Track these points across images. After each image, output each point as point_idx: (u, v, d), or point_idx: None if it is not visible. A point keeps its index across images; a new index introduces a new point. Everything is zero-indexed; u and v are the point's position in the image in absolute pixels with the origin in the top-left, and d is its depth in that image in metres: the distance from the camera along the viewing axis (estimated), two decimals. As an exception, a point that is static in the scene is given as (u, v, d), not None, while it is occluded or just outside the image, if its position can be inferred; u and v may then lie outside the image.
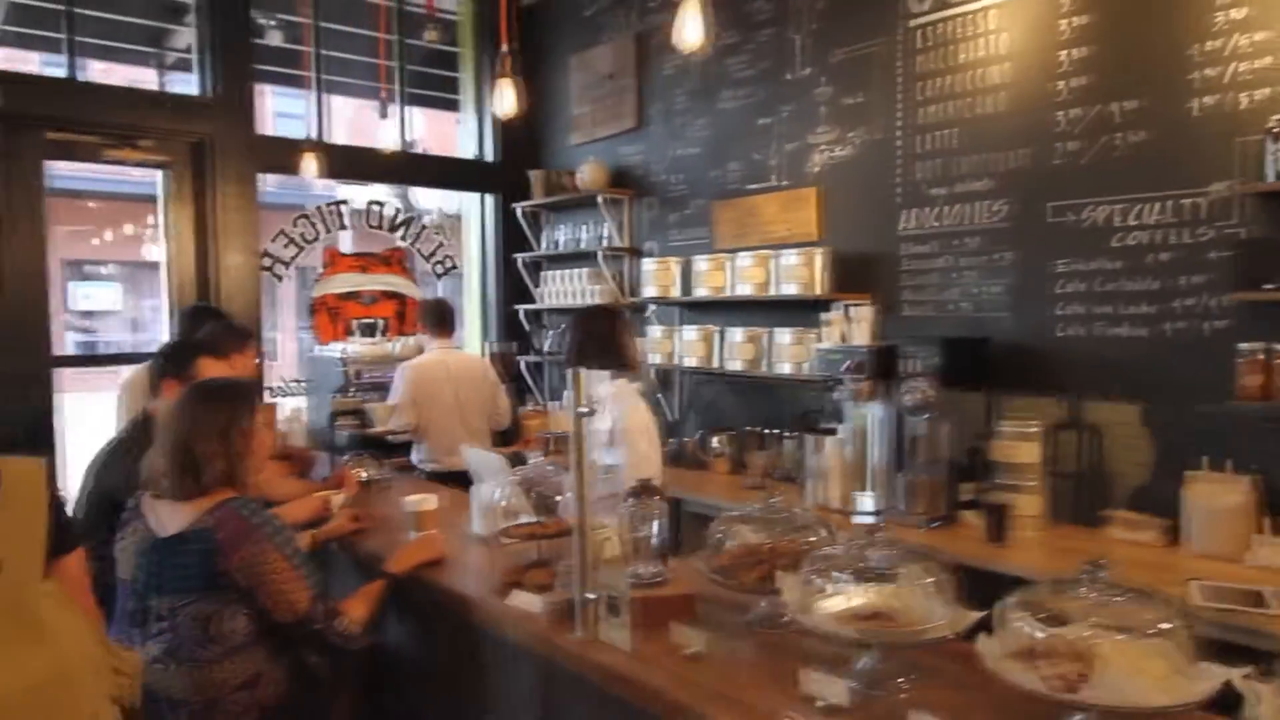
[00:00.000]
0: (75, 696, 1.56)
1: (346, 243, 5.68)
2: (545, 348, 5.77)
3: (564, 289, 5.48)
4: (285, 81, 6.24)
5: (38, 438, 3.94)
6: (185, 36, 7.36)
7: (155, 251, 13.82)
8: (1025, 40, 3.42)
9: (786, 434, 4.14)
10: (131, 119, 4.08)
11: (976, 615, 1.61)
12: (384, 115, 3.54)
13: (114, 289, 15.98)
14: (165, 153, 4.23)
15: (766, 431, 4.28)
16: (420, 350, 4.92)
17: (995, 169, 3.52)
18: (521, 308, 5.87)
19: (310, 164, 4.04)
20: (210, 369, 2.81)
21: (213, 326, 3.54)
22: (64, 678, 1.55)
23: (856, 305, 3.79)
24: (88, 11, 4.27)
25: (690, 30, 2.18)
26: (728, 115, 4.62)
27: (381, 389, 4.65)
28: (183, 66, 4.83)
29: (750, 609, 2.02)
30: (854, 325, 3.74)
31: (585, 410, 1.90)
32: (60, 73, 4.15)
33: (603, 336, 2.92)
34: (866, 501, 3.46)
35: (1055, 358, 3.36)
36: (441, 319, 4.48)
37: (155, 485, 2.20)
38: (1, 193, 3.88)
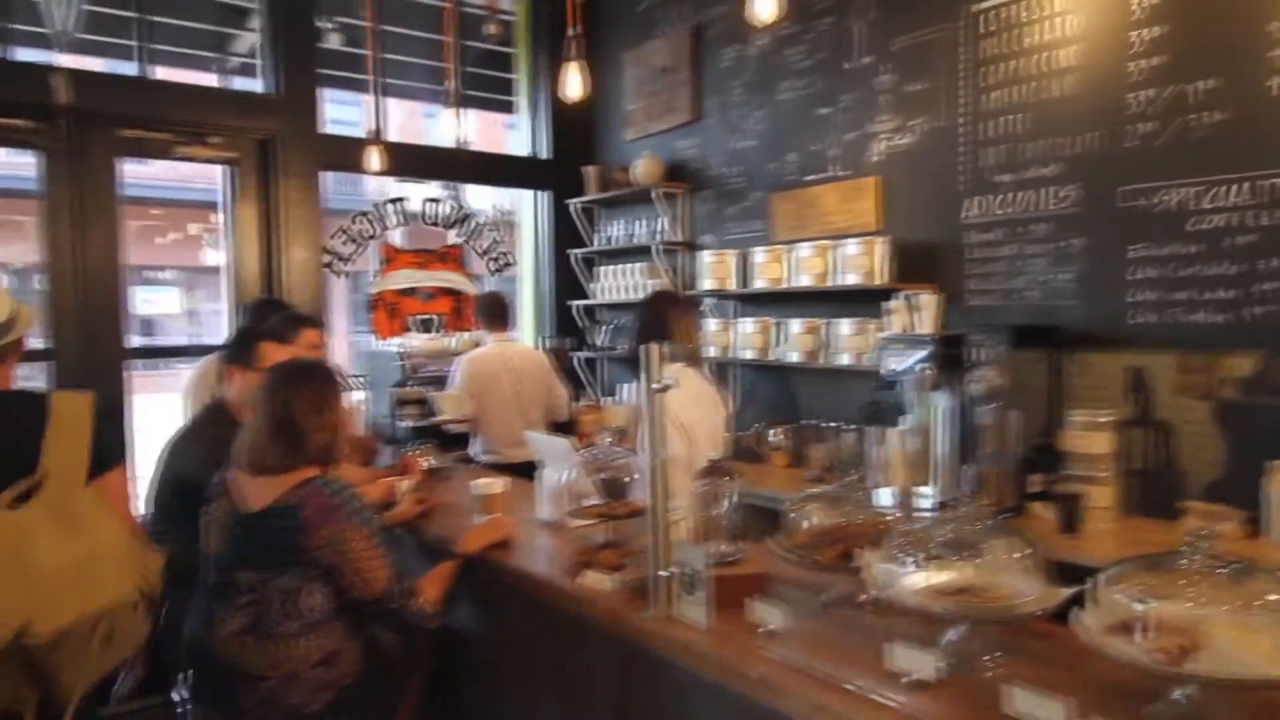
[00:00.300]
0: (104, 572, 1.94)
1: (398, 240, 5.74)
2: (600, 343, 5.79)
3: (618, 284, 5.49)
4: (345, 85, 6.34)
5: (113, 420, 4.05)
6: (247, 41, 7.53)
7: (213, 256, 14.14)
8: (1095, 21, 3.35)
9: (846, 427, 4.09)
10: (200, 116, 4.18)
11: (1068, 591, 1.57)
12: (452, 104, 3.57)
13: (173, 293, 16.40)
14: (233, 149, 4.32)
15: (826, 424, 4.24)
16: (476, 344, 4.97)
17: (1064, 153, 3.45)
18: (575, 303, 5.89)
19: (374, 156, 4.10)
20: (274, 354, 2.85)
21: (276, 316, 3.60)
22: (95, 558, 1.93)
23: (920, 294, 3.73)
24: (157, 18, 4.40)
25: (762, 4, 2.17)
26: (786, 106, 4.60)
27: (439, 382, 4.70)
28: (245, 71, 4.94)
29: (825, 590, 2.00)
30: (918, 314, 3.68)
31: (660, 386, 1.90)
32: (131, 72, 4.27)
33: (664, 321, 2.93)
34: (926, 496, 3.40)
35: (1128, 345, 3.28)
36: (498, 312, 4.54)
37: (254, 458, 2.23)
38: (76, 189, 4.00)
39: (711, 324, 4.79)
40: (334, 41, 6.10)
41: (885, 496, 3.35)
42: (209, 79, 5.35)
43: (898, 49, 4.03)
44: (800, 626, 1.82)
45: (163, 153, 4.19)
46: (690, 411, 2.98)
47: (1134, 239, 3.26)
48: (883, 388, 3.82)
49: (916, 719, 1.43)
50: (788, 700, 1.58)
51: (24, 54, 4.05)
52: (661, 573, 1.91)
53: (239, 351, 2.90)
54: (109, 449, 2.13)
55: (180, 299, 16.13)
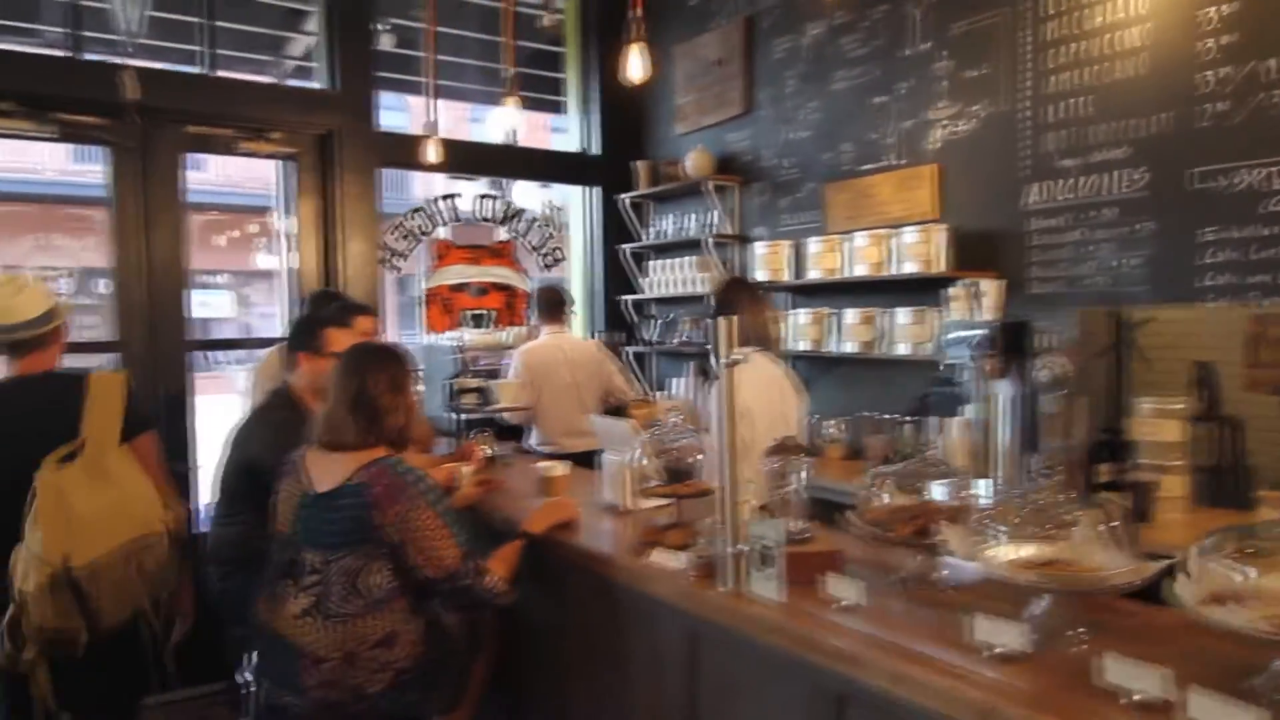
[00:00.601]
0: (129, 515, 2.38)
1: (450, 236, 5.79)
2: (650, 338, 5.78)
3: (669, 278, 5.48)
4: (397, 87, 6.41)
5: (176, 412, 4.15)
6: (304, 44, 7.67)
7: (265, 260, 14.34)
8: (1163, 0, 3.27)
9: (905, 418, 4.04)
10: (261, 112, 4.26)
11: (1162, 563, 1.53)
12: (512, 90, 3.60)
13: (226, 297, 16.76)
14: (292, 144, 4.40)
15: (883, 417, 4.18)
16: (531, 337, 5.01)
17: (1132, 136, 3.37)
18: (625, 298, 5.89)
19: (431, 148, 4.14)
20: (338, 340, 2.89)
21: (334, 305, 3.66)
22: (122, 504, 2.38)
23: (982, 281, 3.67)
24: (221, 24, 4.50)
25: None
26: (840, 96, 4.56)
27: (494, 375, 4.75)
28: (302, 75, 5.03)
29: (896, 571, 1.97)
30: (979, 301, 3.62)
31: (733, 360, 1.88)
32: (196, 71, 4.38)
33: (735, 308, 2.93)
34: (983, 490, 3.34)
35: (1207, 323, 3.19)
36: (556, 305, 4.60)
37: (332, 436, 2.26)
38: (144, 184, 4.10)
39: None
40: (386, 43, 6.20)
41: (942, 490, 3.31)
42: (268, 80, 5.47)
43: (956, 34, 3.98)
44: (876, 603, 1.80)
45: (226, 148, 4.28)
46: (753, 396, 2.97)
47: (1206, 222, 3.18)
48: (941, 382, 3.76)
49: (1007, 689, 1.40)
50: (869, 672, 1.56)
51: (94, 54, 4.16)
52: (734, 548, 1.90)
53: (306, 339, 2.95)
54: (139, 418, 2.58)
55: (233, 303, 16.47)
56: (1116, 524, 1.60)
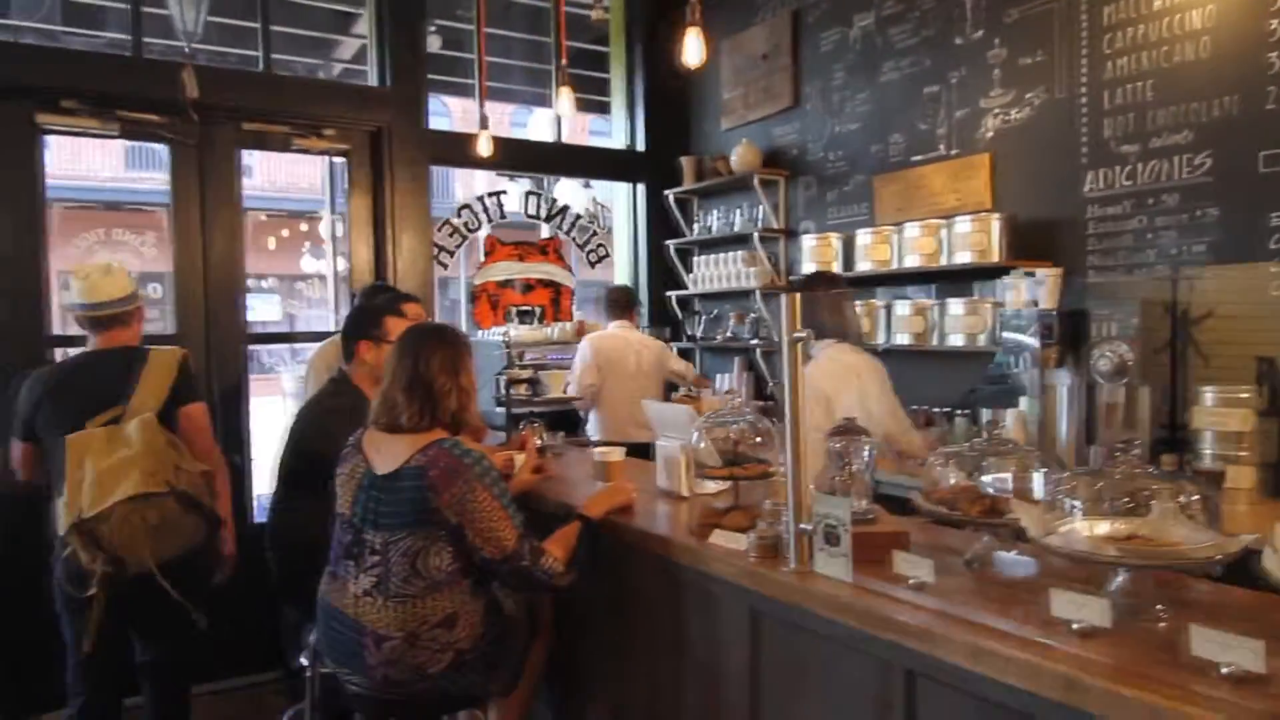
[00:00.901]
0: (138, 474, 2.62)
1: (497, 234, 5.84)
2: (696, 334, 5.77)
3: (716, 273, 5.47)
4: (443, 89, 6.48)
5: (231, 405, 4.22)
6: (354, 46, 7.77)
7: (312, 263, 14.51)
8: (1230, -21, 3.21)
9: (959, 411, 3.98)
10: (315, 109, 4.32)
11: (1248, 537, 1.49)
12: (565, 81, 3.62)
13: (274, 300, 17.04)
14: (345, 140, 4.46)
15: (936, 409, 4.13)
16: (580, 333, 5.06)
17: (1196, 120, 3.30)
18: (671, 294, 5.89)
19: (484, 141, 4.18)
20: (397, 326, 2.91)
21: (385, 295, 3.70)
22: (132, 464, 2.62)
23: (1039, 269, 3.61)
24: (275, 28, 4.59)
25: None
26: (890, 87, 4.52)
27: (542, 370, 4.80)
28: (353, 76, 5.11)
29: (963, 553, 1.94)
30: (1038, 290, 3.56)
31: (800, 336, 1.87)
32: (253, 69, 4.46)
33: (816, 301, 3.01)
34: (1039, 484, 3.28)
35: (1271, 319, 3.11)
36: (624, 303, 4.86)
37: (389, 417, 2.27)
38: (203, 179, 4.18)
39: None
40: (432, 45, 6.28)
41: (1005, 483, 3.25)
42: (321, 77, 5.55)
43: (1012, 20, 3.92)
44: (945, 581, 1.77)
45: (281, 145, 4.34)
46: (831, 385, 3.08)
47: (1275, 206, 3.10)
48: (995, 380, 3.70)
49: (1091, 663, 1.37)
50: (944, 648, 1.53)
51: (155, 54, 4.26)
52: (801, 526, 1.88)
53: (368, 327, 2.97)
54: (188, 389, 2.89)
55: (280, 306, 16.75)
56: (1197, 498, 1.56)
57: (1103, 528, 1.61)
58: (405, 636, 2.17)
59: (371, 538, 2.23)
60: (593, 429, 4.57)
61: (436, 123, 7.44)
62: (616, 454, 2.76)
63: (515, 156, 5.64)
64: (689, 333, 5.86)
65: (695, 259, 5.77)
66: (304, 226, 14.92)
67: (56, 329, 4.03)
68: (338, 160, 4.58)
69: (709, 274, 5.54)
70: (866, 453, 2.04)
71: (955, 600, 1.67)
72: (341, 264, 4.71)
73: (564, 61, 3.84)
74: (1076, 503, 1.58)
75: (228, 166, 4.20)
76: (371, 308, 3.21)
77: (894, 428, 3.25)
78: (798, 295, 1.90)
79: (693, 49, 2.62)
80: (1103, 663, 1.36)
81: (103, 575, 2.60)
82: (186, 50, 4.15)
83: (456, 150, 5.20)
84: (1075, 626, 1.47)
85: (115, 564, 2.61)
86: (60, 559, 2.70)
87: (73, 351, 3.06)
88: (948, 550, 1.98)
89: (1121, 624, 1.48)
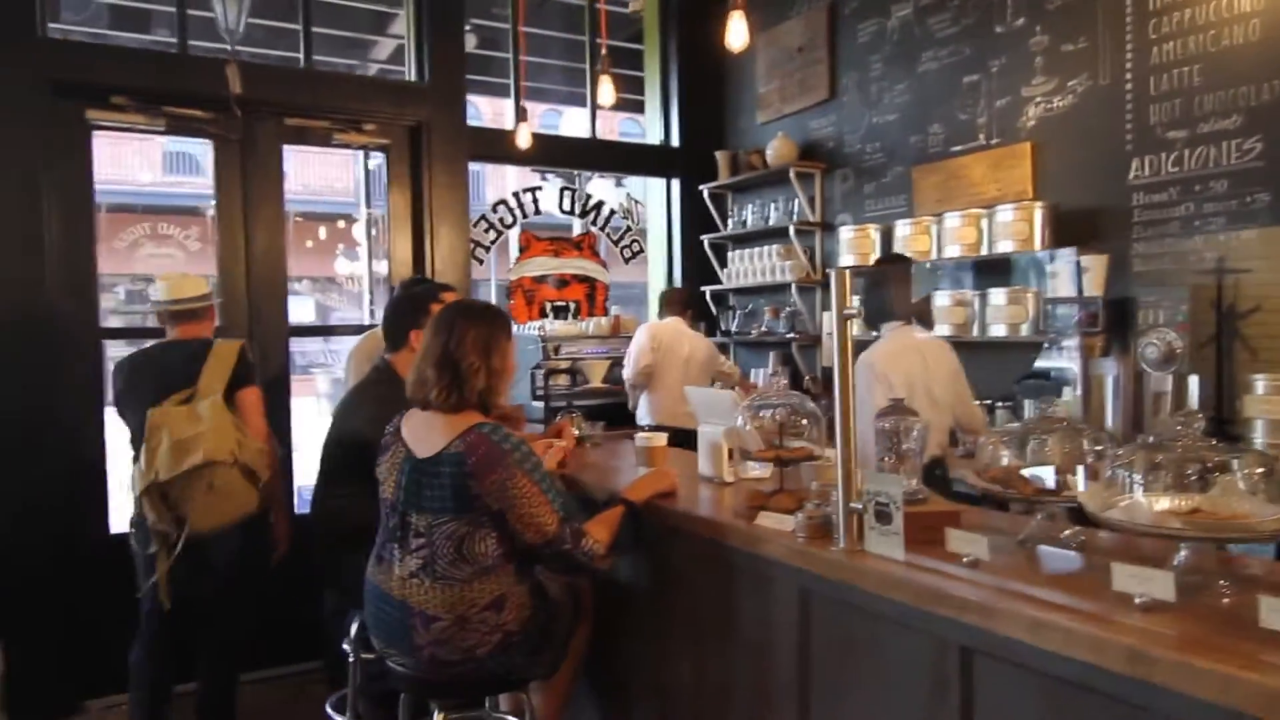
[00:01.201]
0: (206, 446, 3.00)
1: (533, 230, 5.87)
2: (731, 328, 5.76)
3: (751, 268, 5.46)
4: (479, 89, 6.52)
5: (276, 395, 4.28)
6: (386, 48, 7.84)
7: (346, 265, 14.66)
8: (1281, -39, 3.15)
9: (1001, 404, 3.93)
10: (356, 104, 4.37)
11: (1319, 509, 1.46)
12: (605, 70, 3.64)
13: (309, 303, 17.23)
14: (385, 135, 4.50)
15: (979, 401, 4.07)
16: (614, 329, 5.10)
17: (1245, 104, 3.25)
18: (706, 289, 5.88)
19: (523, 132, 4.21)
20: None
21: (423, 285, 3.72)
22: (203, 437, 3.01)
23: (1084, 257, 3.56)
24: (317, 30, 4.65)
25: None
26: (929, 77, 4.48)
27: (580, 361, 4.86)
28: (387, 77, 5.16)
29: (1015, 534, 1.92)
30: (1083, 277, 3.52)
31: (851, 313, 1.86)
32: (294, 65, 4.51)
33: (887, 283, 3.03)
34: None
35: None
36: (682, 301, 4.99)
37: (419, 394, 2.28)
38: (244, 176, 4.24)
39: (856, 300, 4.71)
40: (467, 44, 6.33)
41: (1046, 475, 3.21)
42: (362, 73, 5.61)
43: (1051, 8, 3.89)
44: (1002, 560, 1.75)
45: (322, 140, 4.39)
46: (893, 366, 3.11)
47: (1329, 190, 3.04)
48: (1036, 374, 3.66)
49: (1158, 635, 1.34)
50: (1002, 622, 1.51)
51: (200, 51, 4.33)
52: (852, 505, 1.87)
53: (418, 315, 2.98)
54: (244, 374, 3.23)
55: (315, 308, 16.93)
56: (1263, 470, 1.53)
57: (1163, 503, 1.59)
58: (455, 619, 2.18)
59: (416, 520, 2.23)
60: (643, 414, 4.67)
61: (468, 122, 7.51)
62: (660, 439, 2.76)
63: (551, 152, 5.66)
64: (724, 328, 5.85)
65: (730, 254, 5.76)
66: (340, 224, 15.08)
67: (109, 322, 4.12)
68: (372, 162, 4.63)
69: (744, 268, 5.53)
70: (916, 433, 2.02)
71: (1011, 577, 1.65)
72: (377, 265, 4.76)
73: (604, 51, 3.84)
74: (1137, 476, 1.55)
75: (270, 162, 4.26)
76: (418, 294, 3.22)
77: (962, 413, 3.27)
78: (847, 272, 1.88)
79: (736, 31, 2.61)
80: (1169, 635, 1.34)
81: (165, 534, 3.01)
82: (230, 48, 4.21)
83: (494, 145, 5.23)
84: (1138, 601, 1.44)
85: (178, 524, 3.00)
86: (133, 519, 3.13)
87: (147, 343, 3.42)
88: (1001, 531, 1.96)
89: (1185, 599, 1.46)
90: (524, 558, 2.28)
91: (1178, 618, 1.40)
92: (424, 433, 2.28)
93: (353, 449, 2.86)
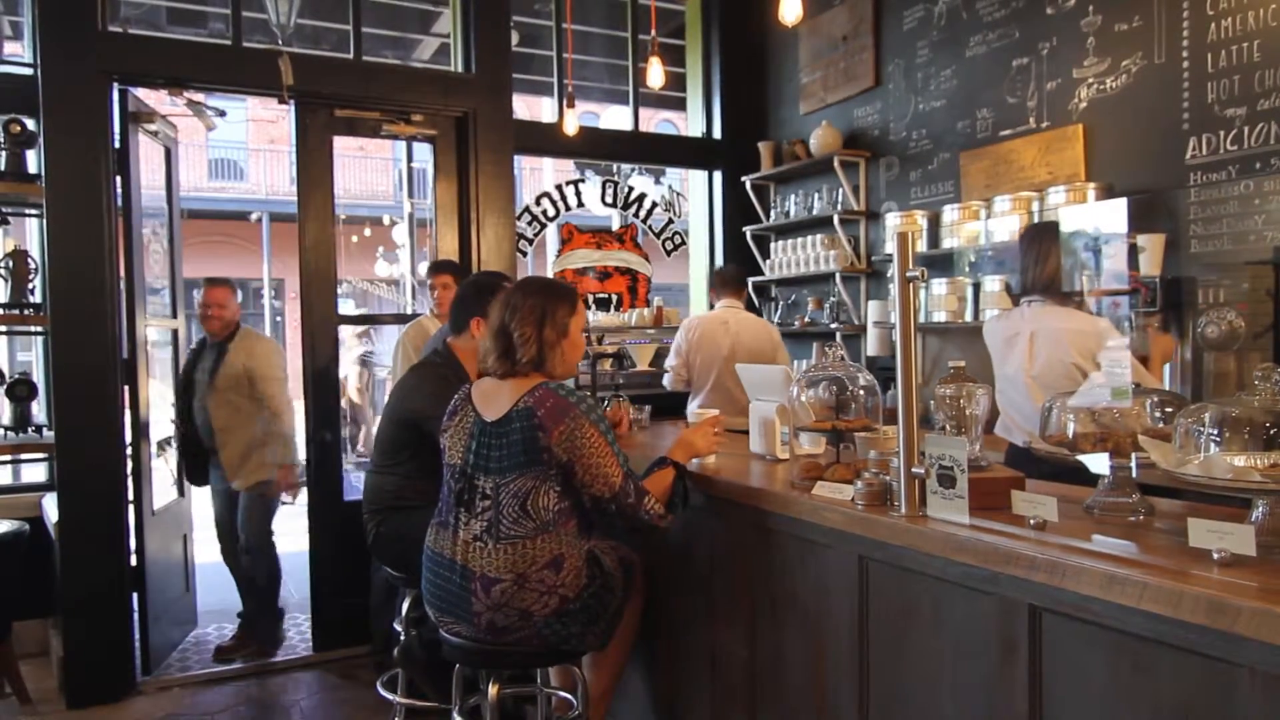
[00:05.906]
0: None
1: (575, 222, 5.89)
2: (774, 320, 5.73)
3: (795, 258, 5.44)
4: (522, 88, 6.57)
5: (325, 383, 4.34)
6: (430, 47, 7.92)
7: (385, 268, 14.85)
8: (1345, -68, 3.08)
9: (1051, 388, 3.87)
10: (404, 95, 4.41)
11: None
12: (651, 53, 3.64)
13: (348, 304, 17.45)
14: (432, 126, 4.54)
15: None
16: (656, 320, 5.08)
17: (1308, 78, 3.18)
18: (750, 280, 5.86)
19: (570, 119, 4.24)
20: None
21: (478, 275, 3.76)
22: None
23: (1140, 237, 3.50)
24: (366, 30, 4.71)
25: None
26: (976, 62, 4.44)
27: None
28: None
29: (1079, 501, 1.89)
30: (1139, 258, 3.46)
31: (914, 274, 1.85)
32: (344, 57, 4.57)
33: (1042, 250, 2.96)
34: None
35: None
36: (734, 281, 4.71)
37: (484, 362, 2.39)
38: (296, 165, 4.31)
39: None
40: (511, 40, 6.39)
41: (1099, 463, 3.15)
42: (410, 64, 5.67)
43: (1106, -12, 3.83)
44: (1069, 524, 1.72)
45: (371, 131, 4.45)
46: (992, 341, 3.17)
47: (1397, 165, 2.96)
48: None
49: (1238, 588, 1.32)
50: (1074, 580, 1.49)
51: (253, 42, 4.41)
52: (914, 470, 1.85)
53: (480, 306, 3.00)
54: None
55: (355, 309, 17.17)
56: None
57: (1239, 461, 1.55)
58: (514, 578, 2.22)
59: (483, 483, 2.29)
60: (691, 407, 4.55)
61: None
62: (711, 413, 2.76)
63: (594, 144, 5.69)
64: (766, 319, 5.82)
65: (773, 244, 5.74)
66: (385, 220, 15.27)
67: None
68: (415, 162, 4.67)
69: (787, 259, 5.51)
70: (981, 397, 2.00)
71: (1080, 537, 1.63)
72: (419, 263, 4.80)
73: (653, 30, 3.85)
74: (1212, 431, 1.52)
75: (321, 154, 4.32)
76: (483, 284, 3.24)
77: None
78: (909, 233, 1.87)
79: (789, 4, 2.61)
80: (1250, 586, 1.32)
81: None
82: (281, 43, 4.28)
83: (538, 137, 5.27)
84: (1216, 556, 1.42)
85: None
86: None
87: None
88: (1065, 497, 1.93)
89: (1264, 555, 1.43)
90: (583, 517, 2.32)
91: (1258, 571, 1.38)
92: (492, 397, 2.35)
93: (410, 426, 2.92)
